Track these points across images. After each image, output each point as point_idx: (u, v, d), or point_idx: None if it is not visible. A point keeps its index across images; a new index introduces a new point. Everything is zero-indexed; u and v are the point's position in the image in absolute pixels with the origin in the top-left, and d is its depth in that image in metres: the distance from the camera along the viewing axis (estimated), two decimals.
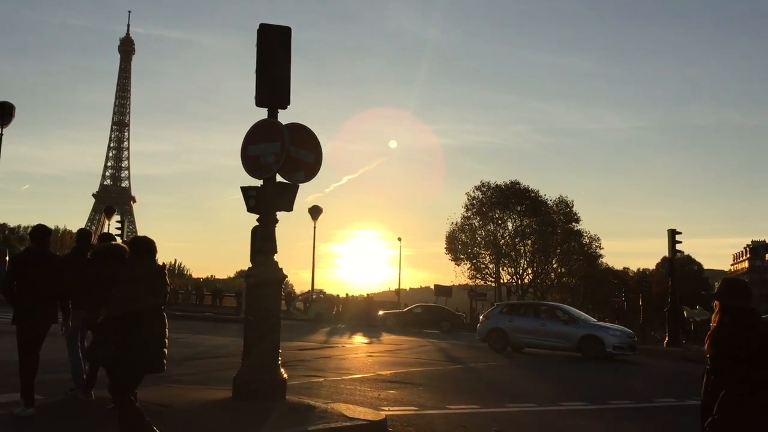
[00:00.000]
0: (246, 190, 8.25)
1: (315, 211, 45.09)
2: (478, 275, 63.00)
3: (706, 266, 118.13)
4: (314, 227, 44.88)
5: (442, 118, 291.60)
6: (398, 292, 51.75)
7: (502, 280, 63.27)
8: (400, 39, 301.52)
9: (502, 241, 63.24)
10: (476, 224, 64.14)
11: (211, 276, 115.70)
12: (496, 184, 64.44)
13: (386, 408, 8.91)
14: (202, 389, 8.98)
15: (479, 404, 9.92)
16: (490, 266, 63.38)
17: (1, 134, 36.43)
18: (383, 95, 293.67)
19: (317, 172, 8.49)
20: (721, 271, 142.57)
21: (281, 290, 8.28)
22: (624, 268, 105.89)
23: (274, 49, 8.30)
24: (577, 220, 67.34)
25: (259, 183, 8.25)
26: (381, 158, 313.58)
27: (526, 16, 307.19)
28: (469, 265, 62.97)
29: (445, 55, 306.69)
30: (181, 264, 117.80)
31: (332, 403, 8.50)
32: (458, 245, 63.35)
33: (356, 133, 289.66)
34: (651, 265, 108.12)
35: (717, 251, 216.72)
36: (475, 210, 63.83)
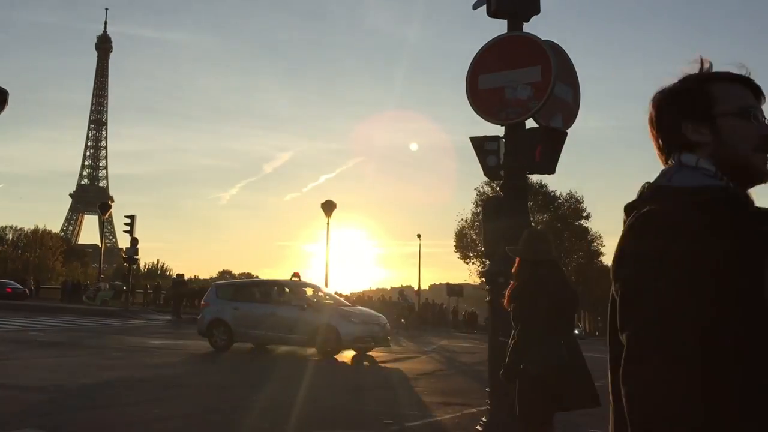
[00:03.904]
0: (481, 143, 5.44)
1: (328, 206, 42.04)
2: None
3: None
4: (327, 223, 41.86)
5: (418, 117, 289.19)
6: (418, 292, 48.95)
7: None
8: (375, 38, 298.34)
9: None
10: None
11: (195, 276, 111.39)
12: None
13: None
14: None
15: None
16: None
17: None
18: (360, 95, 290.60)
19: (575, 119, 5.73)
20: None
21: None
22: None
23: None
24: (587, 217, 65.16)
25: (496, 131, 5.45)
26: (358, 157, 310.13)
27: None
28: (479, 264, 60.37)
29: (420, 54, 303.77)
30: (163, 264, 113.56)
31: None
32: (468, 242, 60.73)
33: (333, 132, 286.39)
34: None
35: None
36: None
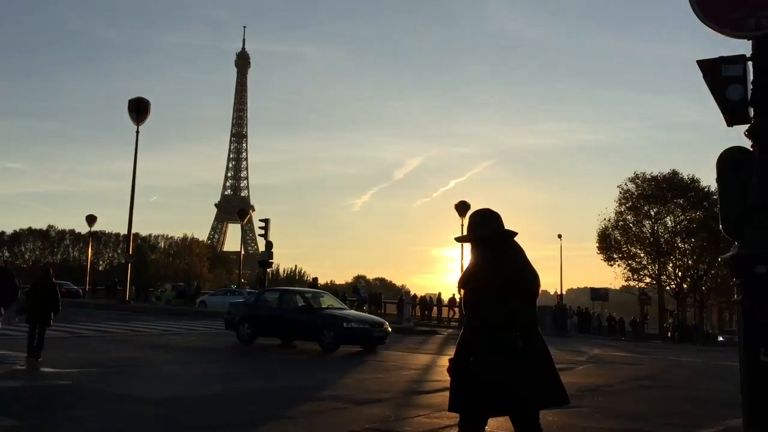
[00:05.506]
0: (715, 67, 3.70)
1: (462, 208, 40.62)
2: (634, 276, 56.36)
3: None
4: (462, 224, 40.39)
5: (547, 117, 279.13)
6: (561, 296, 46.26)
7: (663, 283, 56.19)
8: (501, 39, 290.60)
9: (662, 239, 56.14)
10: (630, 219, 57.39)
11: (331, 282, 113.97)
12: (652, 175, 57.51)
13: None
14: None
15: None
16: (650, 267, 56.45)
17: (138, 131, 34.81)
18: (486, 97, 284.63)
19: None
20: None
21: None
22: None
23: None
24: None
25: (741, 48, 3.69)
26: (488, 161, 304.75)
27: (631, 8, 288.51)
28: (624, 266, 56.43)
29: (548, 53, 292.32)
30: (301, 269, 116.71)
31: None
32: (611, 244, 56.87)
33: (463, 136, 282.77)
34: None
35: None
36: (629, 205, 57.15)
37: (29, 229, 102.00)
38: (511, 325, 3.49)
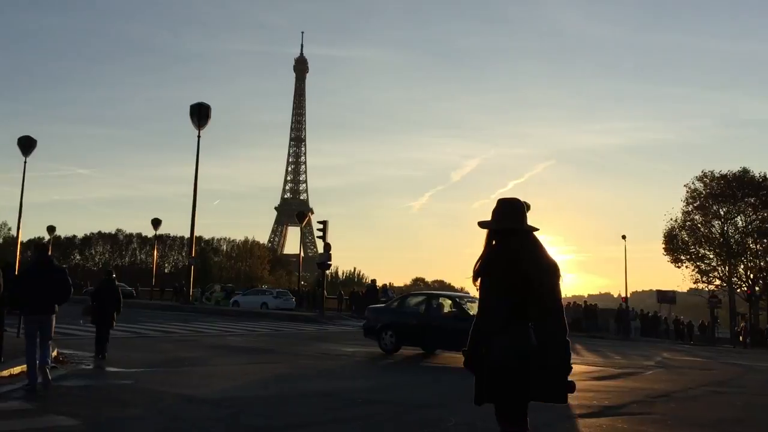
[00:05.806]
0: None
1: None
2: (703, 279, 54.36)
3: None
4: None
5: (607, 116, 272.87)
6: (626, 298, 44.97)
7: (734, 285, 53.97)
8: (557, 37, 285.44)
9: (733, 239, 53.95)
10: (698, 220, 55.39)
11: (390, 283, 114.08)
12: (721, 173, 55.39)
13: None
14: None
15: None
16: (719, 269, 54.34)
17: (199, 136, 35.54)
18: (544, 96, 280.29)
19: None
20: None
21: None
22: None
23: None
24: None
25: None
26: (547, 162, 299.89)
27: (695, 1, 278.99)
28: (692, 268, 54.49)
29: (608, 49, 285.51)
30: (360, 272, 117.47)
31: None
32: (678, 245, 55.01)
33: (520, 136, 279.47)
34: None
35: None
36: (697, 204, 55.20)
37: (99, 232, 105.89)
38: (512, 321, 3.47)
